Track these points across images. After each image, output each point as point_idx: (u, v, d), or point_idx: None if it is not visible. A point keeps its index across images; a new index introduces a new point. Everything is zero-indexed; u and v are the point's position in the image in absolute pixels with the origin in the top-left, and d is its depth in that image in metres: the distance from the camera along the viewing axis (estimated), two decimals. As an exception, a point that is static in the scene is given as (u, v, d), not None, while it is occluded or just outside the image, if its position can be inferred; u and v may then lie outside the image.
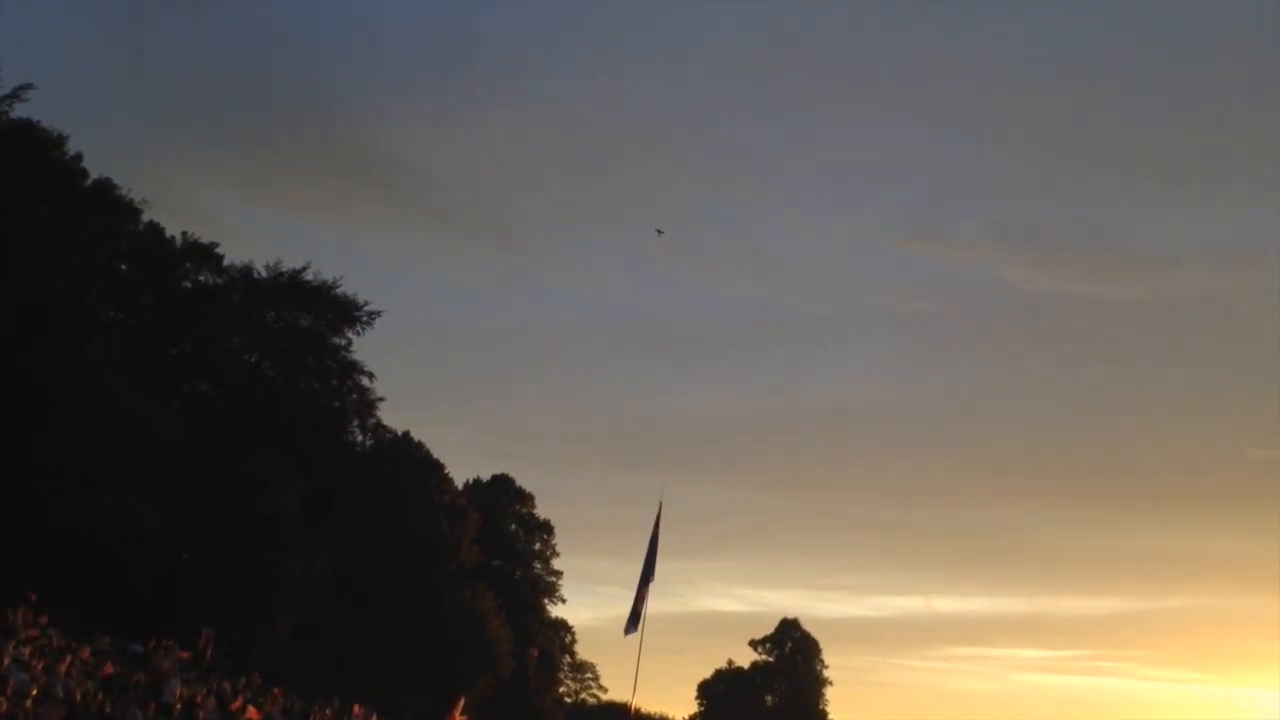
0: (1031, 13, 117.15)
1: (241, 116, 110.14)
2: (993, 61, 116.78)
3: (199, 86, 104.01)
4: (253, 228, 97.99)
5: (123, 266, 42.95)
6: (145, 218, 43.52)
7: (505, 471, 66.57)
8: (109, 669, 27.47)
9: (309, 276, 47.71)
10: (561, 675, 71.93)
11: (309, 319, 47.53)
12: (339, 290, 47.89)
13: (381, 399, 49.64)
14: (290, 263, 47.97)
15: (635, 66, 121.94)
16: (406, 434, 52.46)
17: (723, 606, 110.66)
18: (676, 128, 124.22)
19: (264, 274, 47.40)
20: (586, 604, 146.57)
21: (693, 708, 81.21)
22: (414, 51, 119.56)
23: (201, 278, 46.37)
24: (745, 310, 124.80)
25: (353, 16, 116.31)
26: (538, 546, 66.28)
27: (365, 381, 48.71)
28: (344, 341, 48.21)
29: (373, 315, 48.17)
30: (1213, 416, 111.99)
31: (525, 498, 66.17)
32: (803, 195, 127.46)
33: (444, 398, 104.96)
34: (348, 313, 47.86)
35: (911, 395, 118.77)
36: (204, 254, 46.10)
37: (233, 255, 47.14)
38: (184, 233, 45.89)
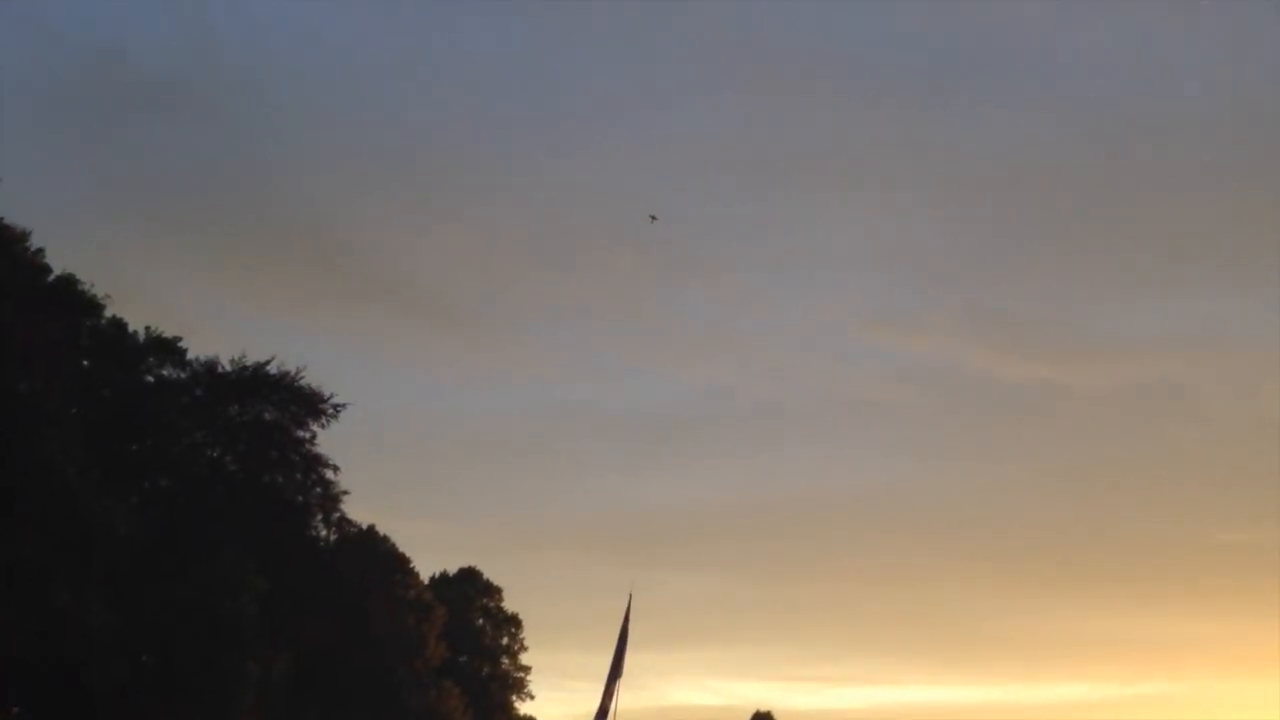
0: (997, 104, 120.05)
1: (208, 210, 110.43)
2: (959, 150, 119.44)
3: (165, 181, 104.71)
4: (219, 321, 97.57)
5: (84, 363, 42.71)
6: (108, 312, 43.46)
7: (473, 564, 65.94)
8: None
9: (273, 369, 47.41)
10: (530, 774, 70.37)
11: (273, 412, 47.17)
12: (304, 382, 47.63)
13: (346, 492, 49.11)
14: (256, 356, 47.77)
15: (603, 157, 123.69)
16: (371, 528, 51.94)
17: (694, 699, 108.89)
18: (641, 216, 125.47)
19: (228, 367, 47.12)
20: (556, 699, 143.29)
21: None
22: (381, 145, 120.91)
23: (164, 372, 46.15)
24: (714, 399, 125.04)
25: (320, 112, 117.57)
26: (506, 641, 65.35)
27: (330, 475, 48.21)
28: (309, 434, 47.85)
29: (338, 407, 47.92)
30: (1182, 501, 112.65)
31: (493, 591, 65.39)
32: (771, 283, 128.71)
33: (411, 490, 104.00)
34: (313, 405, 47.52)
35: (882, 484, 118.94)
36: (167, 348, 45.91)
37: (198, 349, 47.10)
38: (148, 327, 45.81)
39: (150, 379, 45.76)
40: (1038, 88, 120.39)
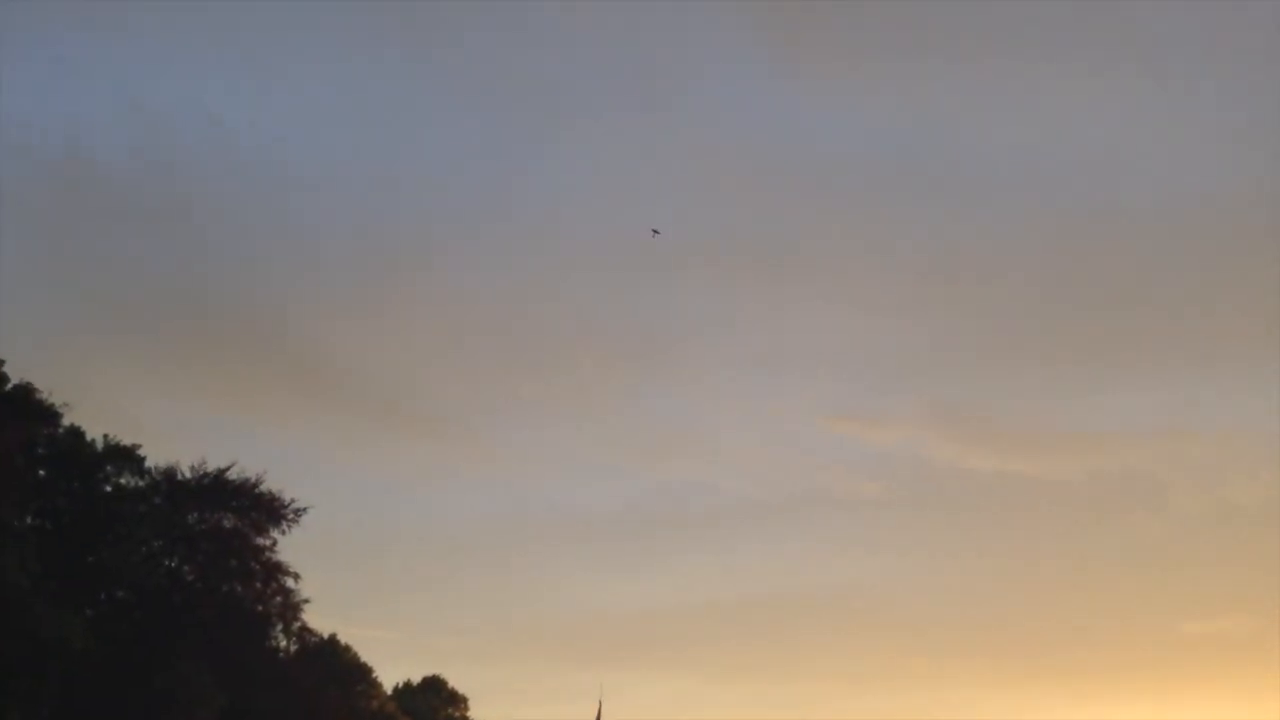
0: (961, 202, 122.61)
1: (169, 316, 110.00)
2: (923, 248, 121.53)
3: (125, 287, 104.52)
4: (180, 426, 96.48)
5: (41, 472, 42.18)
6: (66, 421, 43.15)
7: (437, 673, 64.82)
8: None
9: (233, 475, 46.86)
10: None
11: (233, 519, 46.51)
12: (264, 488, 47.10)
13: (307, 600, 48.30)
14: (216, 460, 47.33)
15: (567, 255, 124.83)
16: (333, 637, 51.04)
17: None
18: (605, 315, 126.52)
19: (188, 474, 46.51)
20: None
21: None
22: (340, 246, 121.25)
23: (123, 480, 45.61)
24: (679, 496, 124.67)
25: (284, 217, 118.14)
26: (471, 751, 63.96)
27: (290, 583, 47.46)
28: (269, 541, 47.11)
29: (299, 513, 47.33)
30: (1149, 592, 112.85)
31: (458, 700, 64.16)
32: (734, 379, 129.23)
33: (373, 595, 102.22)
34: (273, 511, 46.91)
35: (851, 579, 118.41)
36: (126, 456, 45.45)
37: (157, 455, 46.64)
38: (106, 435, 45.41)
39: (108, 487, 45.17)
40: (1001, 186, 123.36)
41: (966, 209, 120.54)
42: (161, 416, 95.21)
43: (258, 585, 46.95)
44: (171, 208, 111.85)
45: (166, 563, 45.86)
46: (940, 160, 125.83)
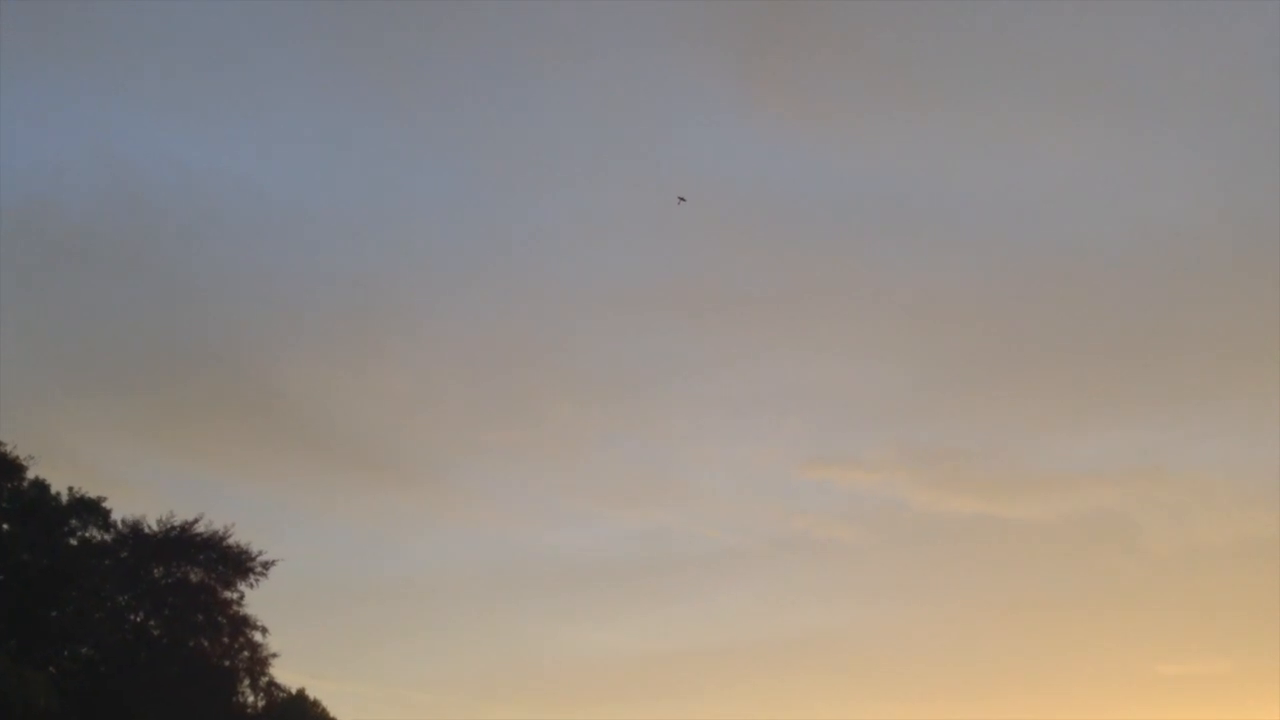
0: (933, 245, 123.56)
1: (135, 364, 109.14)
2: (894, 290, 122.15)
3: (90, 335, 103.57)
4: (146, 478, 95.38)
5: (4, 526, 41.69)
6: (31, 474, 42.84)
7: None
8: None
9: (201, 528, 46.58)
10: None
11: (200, 573, 46.12)
12: (231, 541, 46.81)
13: (275, 655, 47.78)
14: (184, 512, 47.11)
15: (537, 301, 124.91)
16: (301, 692, 50.25)
17: None
18: (581, 361, 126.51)
19: (155, 527, 46.24)
20: None
21: None
22: (316, 295, 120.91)
23: (88, 534, 45.15)
24: (656, 543, 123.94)
25: (254, 264, 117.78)
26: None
27: (258, 637, 47.04)
28: (236, 595, 46.80)
29: (266, 565, 47.01)
30: (1122, 633, 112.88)
31: (430, 752, 63.27)
32: (710, 425, 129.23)
33: (346, 648, 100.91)
34: (240, 564, 46.56)
35: (828, 623, 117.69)
36: (91, 509, 45.04)
37: (124, 508, 46.36)
38: (71, 488, 45.00)
39: (73, 541, 44.68)
40: (974, 230, 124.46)
41: (938, 253, 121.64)
42: (129, 468, 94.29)
43: (224, 640, 46.40)
44: (142, 256, 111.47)
45: (132, 618, 45.28)
46: (913, 205, 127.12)
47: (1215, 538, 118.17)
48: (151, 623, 45.29)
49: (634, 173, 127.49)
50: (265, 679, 47.33)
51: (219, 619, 46.13)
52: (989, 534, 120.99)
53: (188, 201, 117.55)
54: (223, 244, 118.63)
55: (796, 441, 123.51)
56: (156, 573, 45.79)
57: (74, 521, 44.78)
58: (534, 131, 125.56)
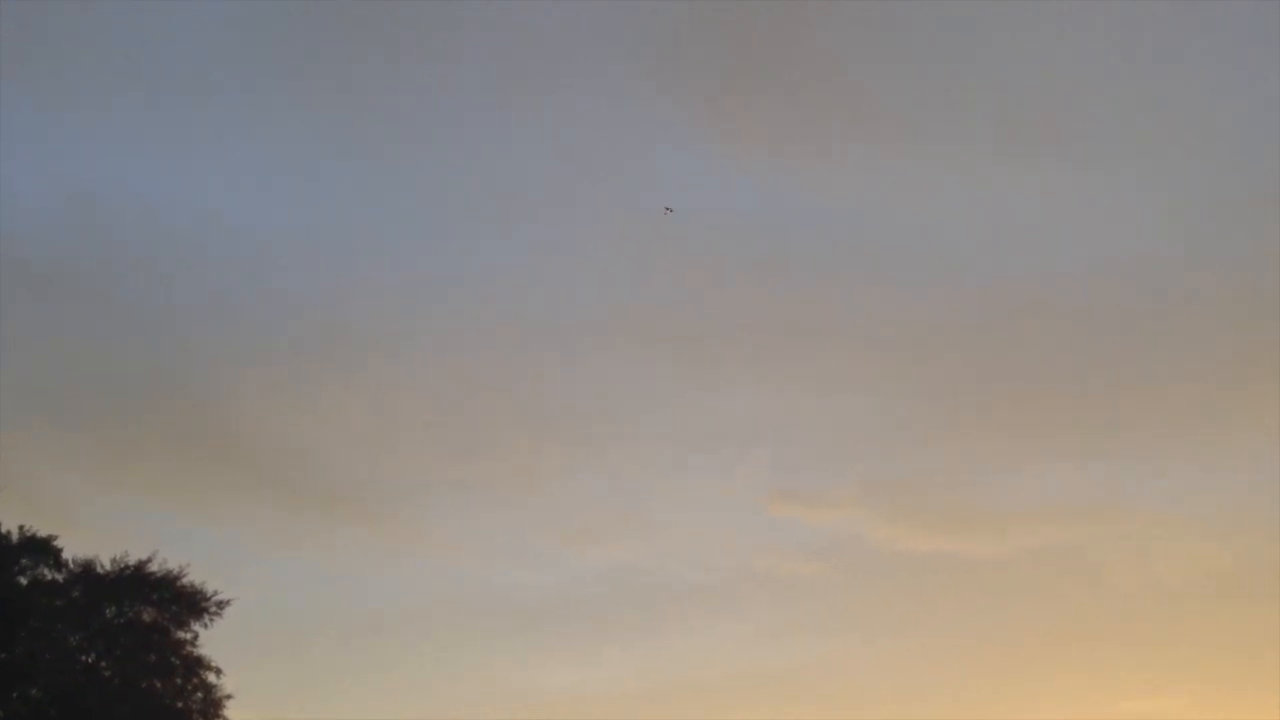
0: (892, 277, 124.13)
1: (88, 401, 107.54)
2: (856, 323, 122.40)
3: (39, 368, 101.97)
4: (98, 515, 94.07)
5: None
6: (-21, 512, 42.11)
7: (367, 766, 63.01)
8: None
9: (155, 567, 46.04)
10: None
11: (153, 612, 45.52)
12: (186, 580, 46.31)
13: (229, 696, 46.86)
14: (138, 550, 46.49)
15: (501, 333, 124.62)
16: (258, 733, 49.56)
17: None
18: (544, 395, 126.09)
19: (108, 566, 45.73)
20: None
21: None
22: (268, 323, 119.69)
23: (39, 573, 44.51)
24: (618, 580, 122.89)
25: (210, 293, 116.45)
26: None
27: (212, 678, 46.23)
28: (190, 635, 46.12)
29: (222, 605, 46.41)
30: (1084, 670, 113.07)
31: (389, 794, 62.38)
32: (672, 460, 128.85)
33: (300, 688, 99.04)
34: (194, 604, 45.98)
35: (791, 660, 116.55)
36: (42, 548, 44.42)
37: (76, 547, 45.65)
38: (21, 526, 44.42)
39: (24, 581, 44.09)
40: (935, 266, 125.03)
41: (901, 288, 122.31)
42: (83, 505, 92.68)
43: (177, 681, 45.56)
44: (101, 288, 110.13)
45: (83, 658, 44.52)
46: (877, 240, 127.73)
47: (1175, 573, 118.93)
48: (103, 664, 44.52)
49: (598, 206, 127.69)
50: (218, 720, 46.91)
51: (172, 660, 45.39)
52: (952, 569, 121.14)
53: (148, 233, 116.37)
54: (183, 276, 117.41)
55: (761, 477, 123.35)
56: (109, 613, 45.05)
57: (24, 560, 44.11)
58: (499, 165, 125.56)
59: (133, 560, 46.01)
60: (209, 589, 46.59)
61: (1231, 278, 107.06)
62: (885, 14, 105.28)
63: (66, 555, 45.14)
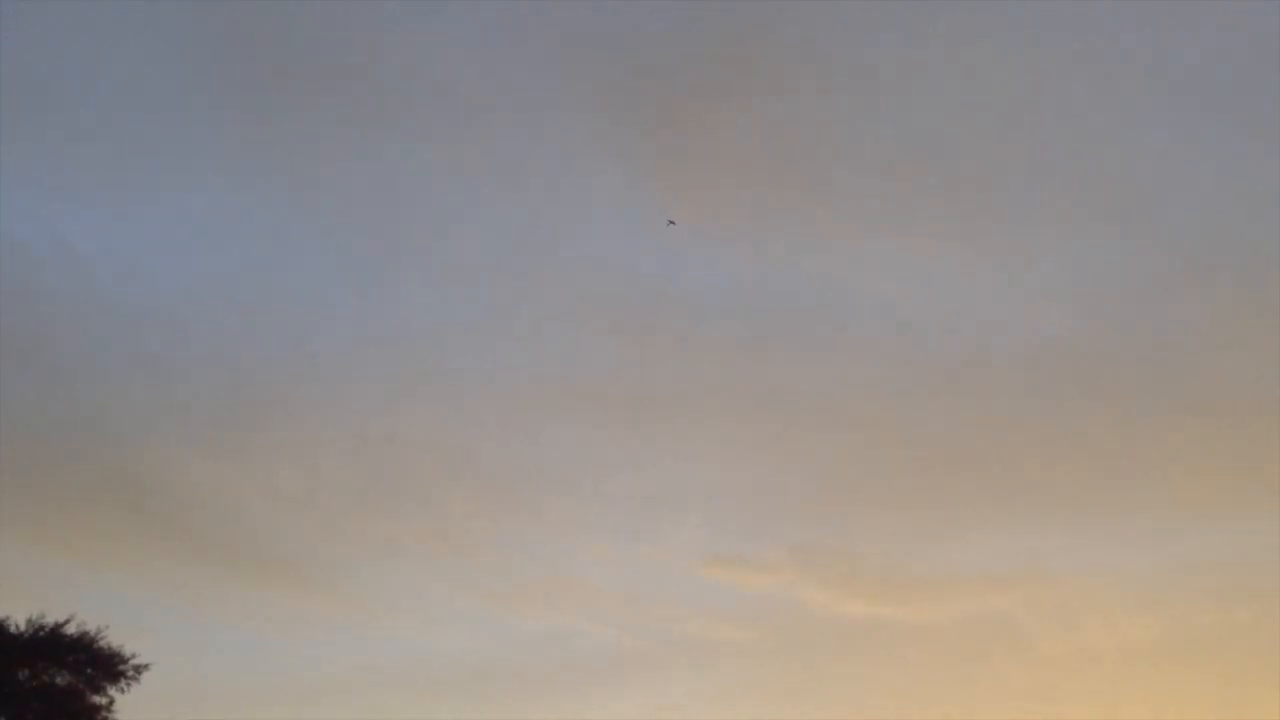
0: (825, 348, 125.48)
1: (4, 455, 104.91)
2: (790, 391, 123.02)
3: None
4: (13, 572, 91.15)
5: None
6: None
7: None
8: None
9: (71, 629, 44.64)
10: None
11: (67, 677, 44.03)
12: (104, 642, 44.99)
13: (146, 763, 45.67)
14: (54, 612, 45.12)
15: (431, 394, 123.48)
16: (173, 802, 47.93)
17: None
18: (474, 456, 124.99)
19: (22, 628, 44.26)
20: None
21: None
22: (195, 379, 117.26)
23: (-51, 635, 43.01)
24: (548, 645, 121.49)
25: (128, 346, 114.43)
26: None
27: (128, 745, 44.86)
28: (106, 700, 44.74)
29: (140, 669, 45.13)
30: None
31: None
32: (604, 523, 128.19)
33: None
34: (112, 667, 44.64)
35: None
36: (-47, 609, 42.93)
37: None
38: (-68, 587, 42.90)
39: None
40: (864, 336, 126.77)
41: (833, 359, 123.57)
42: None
43: (91, 748, 44.31)
44: (22, 341, 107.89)
45: (-8, 725, 43.05)
46: (810, 311, 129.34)
47: (1100, 642, 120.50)
48: (13, 730, 43.07)
49: (533, 270, 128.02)
50: (134, 789, 45.34)
51: (86, 726, 44.11)
52: (882, 636, 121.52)
53: (75, 285, 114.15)
54: (107, 329, 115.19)
55: (692, 542, 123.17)
56: (21, 675, 43.62)
57: (-66, 621, 42.73)
58: (433, 223, 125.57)
59: (49, 621, 44.71)
60: (127, 652, 45.48)
61: (1158, 354, 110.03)
62: (836, 86, 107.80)
63: (-22, 617, 43.87)
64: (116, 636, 45.84)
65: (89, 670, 44.56)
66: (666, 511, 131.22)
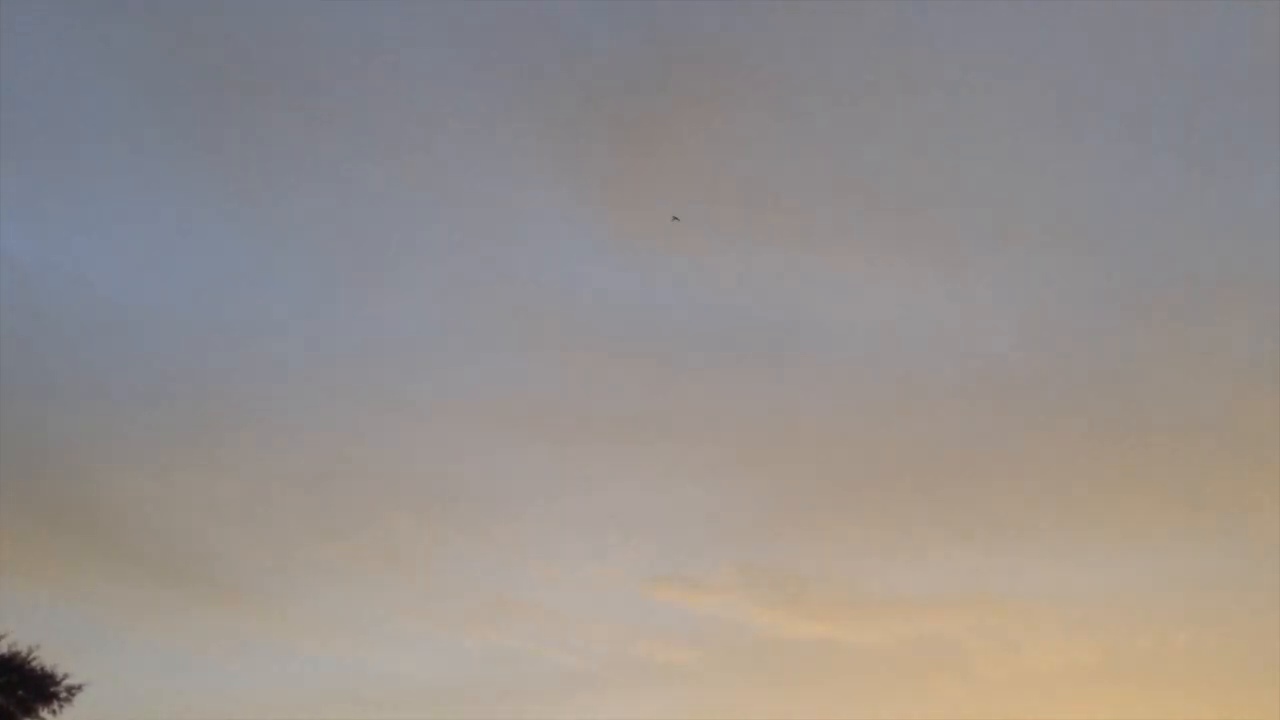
0: (772, 367, 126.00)
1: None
2: (738, 411, 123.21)
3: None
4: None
5: None
6: None
7: None
8: None
9: (3, 648, 43.60)
10: None
11: (-2, 698, 43.02)
12: (36, 662, 44.02)
13: (77, 787, 44.56)
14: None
15: (381, 412, 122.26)
16: (105, 827, 46.78)
17: None
18: (422, 475, 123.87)
19: (-49, 647, 43.25)
20: None
21: None
22: (137, 396, 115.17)
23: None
24: (495, 665, 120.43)
25: (69, 360, 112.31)
26: None
27: (60, 768, 43.79)
28: (37, 722, 43.74)
29: (73, 690, 44.17)
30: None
31: None
32: (554, 544, 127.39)
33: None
34: (44, 688, 43.62)
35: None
36: (-121, 627, 41.75)
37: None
38: None
39: None
40: (813, 358, 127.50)
41: (781, 380, 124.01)
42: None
43: (21, 771, 43.23)
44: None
45: (-84, 747, 41.87)
46: (759, 333, 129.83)
47: (1042, 664, 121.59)
48: (-62, 753, 41.91)
49: (486, 289, 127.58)
50: (66, 813, 44.25)
51: (16, 748, 43.05)
52: (829, 658, 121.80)
53: (17, 299, 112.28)
54: (49, 343, 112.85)
55: (642, 562, 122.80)
56: (-51, 697, 42.61)
57: None
58: (385, 241, 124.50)
59: (-21, 641, 43.83)
60: (60, 672, 44.57)
61: (1103, 378, 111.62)
62: (792, 109, 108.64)
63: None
64: (49, 656, 45.00)
65: (20, 692, 43.61)
66: (615, 532, 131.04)
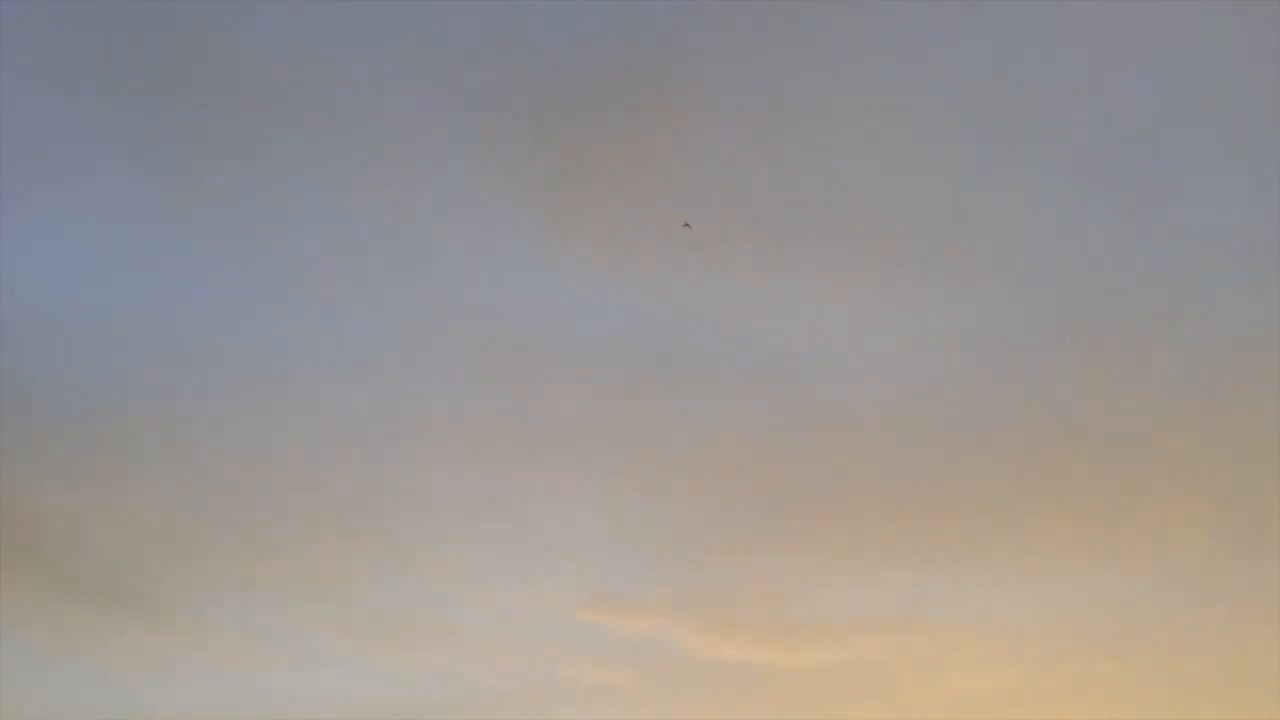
0: (707, 391, 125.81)
1: None
2: (670, 436, 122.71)
3: None
4: None
5: None
6: None
7: None
8: None
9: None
10: None
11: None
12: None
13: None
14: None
15: (308, 428, 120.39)
16: None
17: None
18: (349, 493, 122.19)
19: None
20: None
21: None
22: (55, 410, 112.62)
23: None
24: (420, 686, 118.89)
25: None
26: None
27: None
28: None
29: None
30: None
31: None
32: (483, 565, 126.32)
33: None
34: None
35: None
36: None
37: None
38: None
39: None
40: (751, 379, 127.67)
41: (718, 401, 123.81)
42: None
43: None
44: None
45: None
46: (697, 352, 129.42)
47: (966, 688, 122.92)
48: None
49: (421, 304, 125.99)
50: None
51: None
52: (756, 681, 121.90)
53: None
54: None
55: (571, 584, 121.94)
56: None
57: None
58: (316, 257, 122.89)
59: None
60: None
61: (1038, 406, 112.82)
62: (730, 132, 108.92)
63: None
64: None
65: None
66: (542, 554, 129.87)
